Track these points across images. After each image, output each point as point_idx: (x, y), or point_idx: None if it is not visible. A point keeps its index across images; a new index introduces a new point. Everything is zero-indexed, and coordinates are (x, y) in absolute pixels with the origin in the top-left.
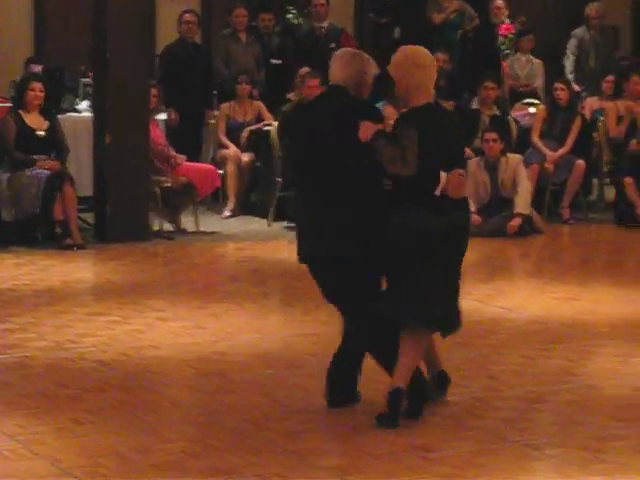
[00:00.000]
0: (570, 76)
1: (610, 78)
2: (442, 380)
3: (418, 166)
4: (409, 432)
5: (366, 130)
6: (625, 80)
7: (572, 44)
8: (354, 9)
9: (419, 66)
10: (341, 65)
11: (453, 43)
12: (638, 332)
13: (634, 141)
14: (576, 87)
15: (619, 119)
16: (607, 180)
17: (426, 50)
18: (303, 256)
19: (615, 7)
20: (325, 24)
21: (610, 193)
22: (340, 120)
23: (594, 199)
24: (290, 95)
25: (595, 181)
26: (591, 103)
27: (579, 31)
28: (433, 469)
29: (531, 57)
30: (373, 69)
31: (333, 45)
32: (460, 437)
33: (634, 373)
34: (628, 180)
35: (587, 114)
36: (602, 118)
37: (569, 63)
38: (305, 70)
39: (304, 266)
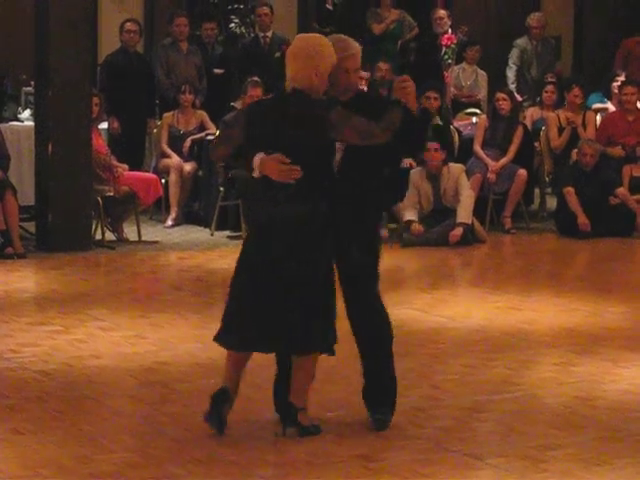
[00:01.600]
0: (512, 86)
1: (550, 88)
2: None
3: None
4: (350, 442)
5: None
6: (567, 91)
7: (514, 54)
8: (297, 18)
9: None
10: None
11: (394, 53)
12: (579, 341)
13: (575, 151)
14: (518, 97)
15: (560, 129)
16: (548, 190)
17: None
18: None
19: (557, 17)
20: (269, 33)
21: (552, 203)
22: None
23: (536, 209)
24: (235, 103)
25: (537, 191)
26: (532, 113)
27: (521, 41)
28: (373, 479)
29: (477, 68)
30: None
31: (277, 54)
32: (401, 446)
33: (574, 382)
34: (569, 190)
35: (529, 124)
36: (544, 128)
37: (511, 73)
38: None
39: None
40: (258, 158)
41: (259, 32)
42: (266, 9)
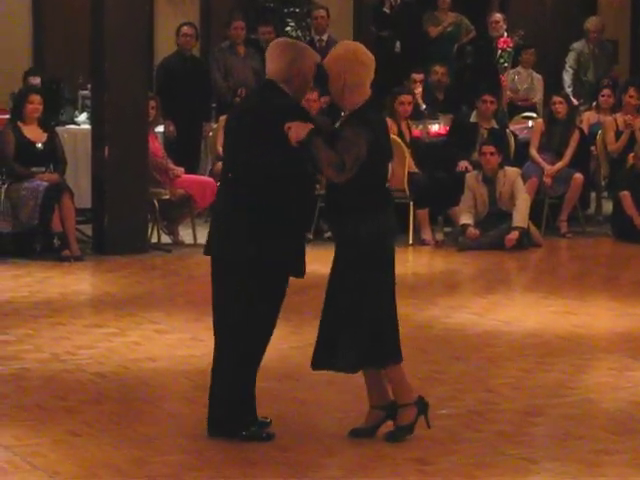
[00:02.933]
0: (568, 90)
1: (607, 92)
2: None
3: (371, 165)
4: (406, 445)
5: (298, 130)
6: (623, 93)
7: (571, 57)
8: (353, 22)
9: (361, 63)
10: (270, 58)
11: (450, 56)
12: (635, 346)
13: (632, 155)
14: (574, 101)
15: (617, 133)
16: (605, 194)
17: (365, 48)
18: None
19: (615, 21)
20: (325, 36)
21: (608, 207)
22: (257, 123)
23: (592, 213)
24: None
25: (593, 195)
26: (589, 117)
27: (578, 45)
28: None
29: (532, 72)
30: (310, 59)
31: None
32: (456, 450)
33: (631, 386)
34: (625, 194)
35: (585, 128)
36: (600, 132)
37: (568, 76)
38: None
39: (302, 279)
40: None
41: (315, 35)
42: (322, 12)
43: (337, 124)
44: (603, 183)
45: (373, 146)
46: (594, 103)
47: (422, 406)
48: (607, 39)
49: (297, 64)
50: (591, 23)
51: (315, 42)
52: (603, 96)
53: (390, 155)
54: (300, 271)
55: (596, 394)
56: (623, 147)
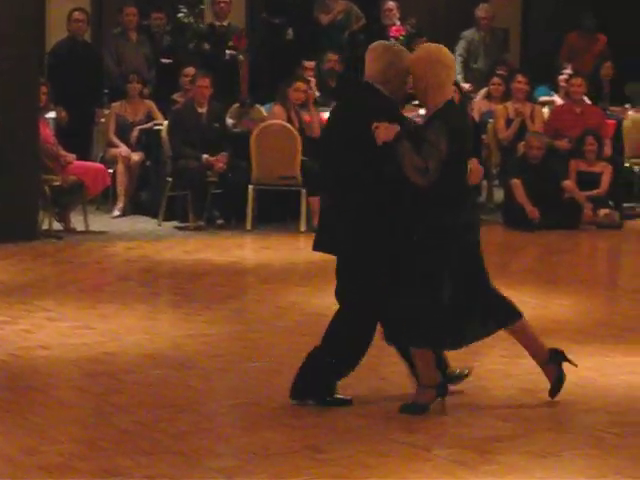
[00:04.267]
0: (458, 77)
1: (497, 80)
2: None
3: (451, 162)
4: (299, 433)
5: (386, 132)
6: (511, 81)
7: (460, 45)
8: (246, 8)
9: (443, 64)
10: (370, 59)
11: (342, 43)
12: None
13: (522, 143)
14: (466, 86)
15: (508, 121)
16: (496, 182)
17: (447, 50)
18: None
19: (505, 9)
20: (226, 22)
21: (499, 195)
22: (352, 121)
23: (483, 201)
24: (175, 96)
25: (484, 183)
26: (480, 105)
27: (468, 33)
28: (322, 470)
29: None
30: (407, 62)
31: (230, 44)
32: (350, 438)
33: (521, 374)
34: (516, 182)
35: (476, 116)
36: (491, 120)
37: (457, 65)
38: (191, 70)
39: (194, 267)
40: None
41: (216, 21)
42: None
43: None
44: (494, 171)
45: (453, 144)
46: (483, 90)
47: (442, 390)
48: (498, 27)
49: (395, 66)
50: (482, 10)
51: (216, 27)
52: (494, 84)
53: (471, 152)
54: None
55: (487, 381)
56: (514, 135)
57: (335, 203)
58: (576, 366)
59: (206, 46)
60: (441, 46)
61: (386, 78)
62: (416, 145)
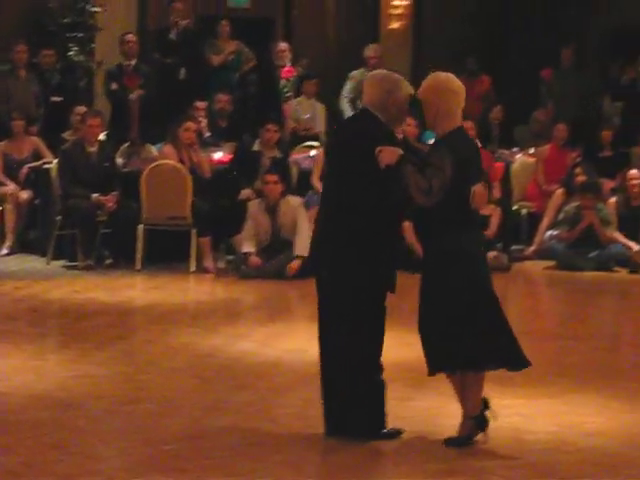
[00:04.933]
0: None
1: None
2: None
3: (455, 187)
4: (189, 476)
5: (389, 155)
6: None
7: (348, 85)
8: (139, 48)
9: (452, 91)
10: (369, 87)
11: (233, 84)
12: (415, 375)
13: None
14: None
15: None
16: None
17: (455, 77)
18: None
19: (396, 53)
20: (133, 61)
21: None
22: (359, 146)
23: None
24: (65, 134)
25: None
26: None
27: (356, 73)
28: None
29: (314, 101)
30: (404, 90)
31: (114, 86)
32: None
33: (411, 416)
34: (406, 223)
35: None
36: None
37: (344, 105)
38: (82, 109)
39: (83, 306)
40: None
41: (124, 60)
42: (133, 37)
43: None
44: None
45: (458, 170)
46: None
47: (481, 422)
48: (389, 69)
49: (393, 95)
50: (370, 50)
51: (123, 66)
52: None
53: (476, 178)
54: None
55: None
56: None
57: (333, 227)
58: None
59: (114, 86)
60: (450, 74)
61: (384, 106)
62: (420, 168)
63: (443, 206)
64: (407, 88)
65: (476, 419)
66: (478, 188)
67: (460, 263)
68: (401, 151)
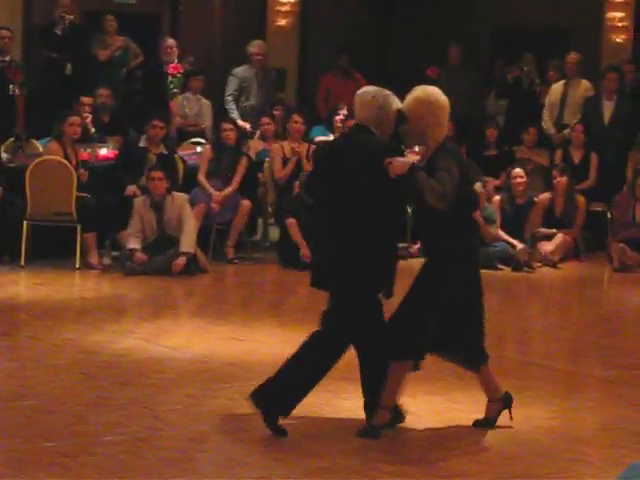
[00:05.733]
0: (234, 115)
1: (265, 120)
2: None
3: (461, 194)
4: (73, 473)
5: (400, 165)
6: (287, 121)
7: (232, 83)
8: (22, 43)
9: (441, 105)
10: (362, 103)
11: (120, 80)
12: None
13: (298, 182)
14: (247, 125)
15: (284, 160)
16: (272, 220)
17: (440, 91)
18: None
19: (282, 50)
20: (7, 57)
21: (275, 233)
22: (366, 159)
23: (259, 239)
24: None
25: (260, 221)
26: (256, 144)
27: (240, 70)
28: None
29: (200, 97)
30: (394, 105)
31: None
32: (122, 477)
33: (294, 413)
34: (292, 221)
35: (252, 154)
36: (267, 159)
37: (229, 103)
38: None
39: None
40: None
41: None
42: (7, 32)
43: (422, 160)
44: (270, 210)
45: (461, 173)
46: (258, 131)
47: (507, 401)
48: (275, 67)
49: (385, 110)
50: (254, 46)
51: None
52: (263, 124)
53: (473, 178)
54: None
55: (261, 421)
56: (290, 174)
57: (339, 241)
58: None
59: None
60: (436, 88)
61: (378, 121)
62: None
63: (451, 208)
64: (396, 103)
65: (503, 399)
66: (478, 187)
67: (464, 264)
68: (411, 161)
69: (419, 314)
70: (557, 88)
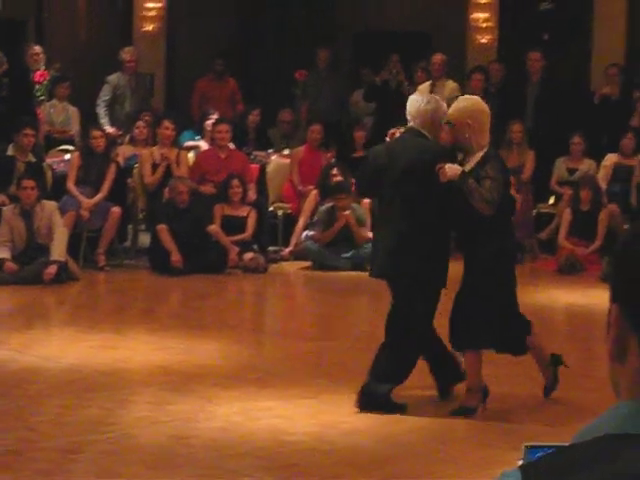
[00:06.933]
0: (103, 122)
1: (140, 124)
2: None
3: (503, 198)
4: None
5: (451, 171)
6: (157, 126)
7: (105, 90)
8: None
9: (485, 112)
10: (416, 110)
11: None
12: (172, 379)
13: (167, 188)
14: (114, 131)
15: (154, 166)
16: (142, 226)
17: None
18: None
19: (150, 55)
20: None
21: (145, 239)
22: (418, 161)
23: (129, 245)
24: None
25: (130, 227)
26: (125, 150)
27: (113, 77)
28: None
29: (67, 104)
30: (443, 109)
31: None
32: None
33: (170, 420)
34: (162, 227)
35: (121, 160)
36: (137, 165)
37: (101, 109)
38: None
39: None
40: None
41: None
42: None
43: (468, 164)
44: (141, 216)
45: (504, 181)
46: (128, 136)
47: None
48: (144, 72)
49: (436, 113)
50: (126, 53)
51: None
52: (138, 128)
53: (510, 185)
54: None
55: (135, 429)
56: (159, 180)
57: (400, 234)
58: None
59: None
60: (476, 97)
61: (430, 124)
62: (477, 182)
63: (496, 212)
64: (444, 107)
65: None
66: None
67: (505, 264)
68: (461, 168)
69: (483, 307)
70: (424, 89)
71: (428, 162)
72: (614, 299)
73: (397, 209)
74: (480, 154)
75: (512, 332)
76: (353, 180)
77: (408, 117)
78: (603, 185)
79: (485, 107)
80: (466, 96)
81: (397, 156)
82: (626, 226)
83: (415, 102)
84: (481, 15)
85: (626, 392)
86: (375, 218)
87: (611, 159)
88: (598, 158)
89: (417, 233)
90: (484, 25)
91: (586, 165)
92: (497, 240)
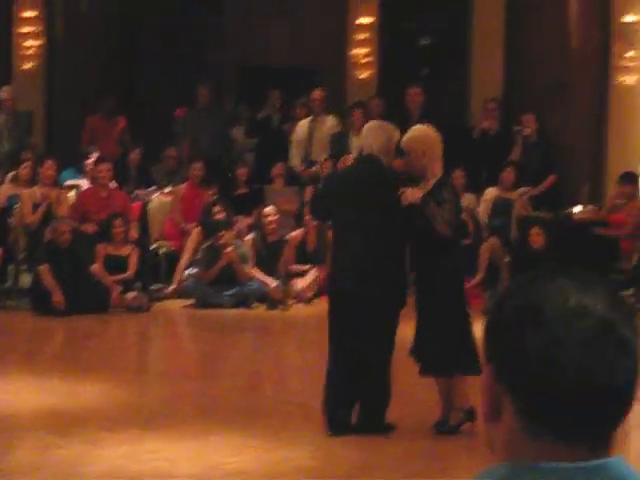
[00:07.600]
0: None
1: (28, 164)
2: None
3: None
4: None
5: (413, 195)
6: (40, 166)
7: None
8: None
9: (437, 141)
10: (372, 136)
11: None
12: (58, 422)
13: (49, 228)
14: None
15: (35, 206)
16: (24, 267)
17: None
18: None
19: (29, 92)
20: None
21: (27, 280)
22: (378, 187)
23: (10, 286)
24: None
25: (11, 267)
26: (6, 189)
27: None
28: None
29: None
30: (397, 137)
31: None
32: None
33: (54, 465)
34: (44, 268)
35: (2, 200)
36: (18, 205)
37: None
38: None
39: None
40: None
41: None
42: None
43: (423, 190)
44: (22, 256)
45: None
46: (10, 175)
47: (470, 415)
48: (23, 110)
49: (391, 141)
50: (4, 92)
51: None
52: (25, 168)
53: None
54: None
55: (19, 475)
56: (40, 220)
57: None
58: None
59: None
60: (430, 126)
61: (386, 151)
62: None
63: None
64: (397, 135)
65: (467, 412)
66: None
67: (461, 285)
68: (422, 192)
69: (448, 330)
70: (304, 125)
71: (386, 187)
72: (488, 361)
73: (356, 234)
74: (433, 181)
75: (469, 353)
76: (235, 218)
77: (362, 144)
78: (484, 219)
79: (438, 136)
80: (419, 126)
81: (354, 182)
82: (507, 259)
83: (371, 128)
84: (360, 51)
85: (501, 451)
86: (333, 241)
87: (491, 193)
88: (478, 192)
89: (378, 257)
90: (363, 61)
91: (467, 199)
92: (452, 262)
